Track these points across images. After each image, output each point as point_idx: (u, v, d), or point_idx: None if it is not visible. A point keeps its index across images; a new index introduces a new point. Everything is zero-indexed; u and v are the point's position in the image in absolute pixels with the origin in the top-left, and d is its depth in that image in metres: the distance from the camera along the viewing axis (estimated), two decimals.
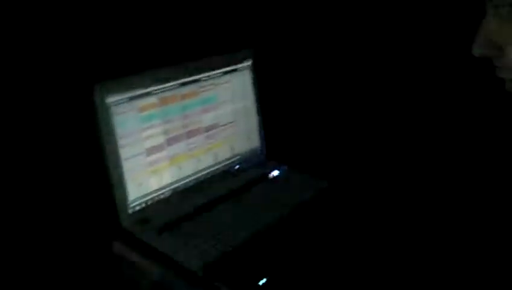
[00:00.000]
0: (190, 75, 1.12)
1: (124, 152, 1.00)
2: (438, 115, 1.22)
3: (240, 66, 1.22)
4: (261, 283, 0.87)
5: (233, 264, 0.92)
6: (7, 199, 0.97)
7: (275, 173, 1.25)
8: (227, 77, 1.20)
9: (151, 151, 1.05)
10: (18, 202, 0.99)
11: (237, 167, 1.24)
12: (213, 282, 0.87)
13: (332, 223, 1.03)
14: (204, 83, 1.15)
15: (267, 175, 1.24)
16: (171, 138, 1.09)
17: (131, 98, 1.01)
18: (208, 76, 1.16)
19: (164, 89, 1.07)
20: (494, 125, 1.12)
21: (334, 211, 1.08)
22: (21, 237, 0.98)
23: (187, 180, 1.13)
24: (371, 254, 0.93)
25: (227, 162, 1.22)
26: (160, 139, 1.07)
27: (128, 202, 1.02)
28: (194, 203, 1.10)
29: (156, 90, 1.05)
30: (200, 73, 1.14)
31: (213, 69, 1.17)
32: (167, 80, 1.07)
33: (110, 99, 0.98)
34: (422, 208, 1.04)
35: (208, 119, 1.16)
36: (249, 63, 1.24)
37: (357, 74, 1.31)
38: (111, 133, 0.98)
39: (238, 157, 1.24)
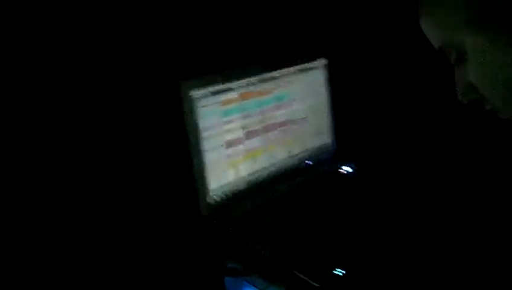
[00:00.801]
0: (267, 72, 1.17)
1: (206, 144, 1.06)
2: None
3: (313, 64, 1.26)
4: (336, 272, 0.90)
5: (309, 252, 0.96)
6: (99, 183, 1.05)
7: (344, 169, 1.28)
8: (302, 75, 1.24)
9: (230, 144, 1.11)
10: (111, 186, 1.06)
11: (308, 162, 1.27)
12: (290, 269, 0.91)
13: (407, 219, 1.05)
14: (280, 80, 1.19)
15: (337, 171, 1.27)
16: (249, 132, 1.14)
17: (214, 93, 1.07)
18: (284, 73, 1.20)
19: (243, 85, 1.12)
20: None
21: (408, 206, 1.09)
22: (111, 222, 1.06)
23: (261, 173, 1.18)
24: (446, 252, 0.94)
25: (299, 157, 1.26)
26: (238, 133, 1.12)
27: (209, 192, 1.07)
28: (269, 194, 1.15)
29: (236, 85, 1.11)
30: (276, 71, 1.18)
31: (289, 67, 1.21)
32: (246, 76, 1.12)
33: (195, 93, 1.04)
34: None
35: (282, 115, 1.21)
36: (322, 62, 1.28)
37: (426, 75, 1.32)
38: (194, 124, 1.04)
39: (308, 152, 1.28)
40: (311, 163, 1.28)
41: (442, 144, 1.29)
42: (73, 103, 1.01)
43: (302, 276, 0.90)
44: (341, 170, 1.27)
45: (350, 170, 1.28)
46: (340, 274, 0.89)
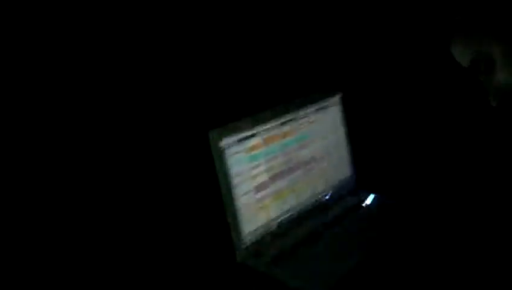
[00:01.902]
0: (287, 115, 1.20)
1: (237, 191, 1.09)
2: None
3: (329, 103, 1.30)
4: None
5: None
6: (138, 232, 1.07)
7: (367, 201, 1.31)
8: (320, 114, 1.28)
9: (258, 188, 1.13)
10: (150, 237, 1.08)
11: (332, 196, 1.30)
12: None
13: (429, 248, 1.08)
14: (300, 121, 1.23)
15: (360, 203, 1.30)
16: (275, 175, 1.17)
17: (240, 140, 1.10)
18: (303, 114, 1.24)
19: (266, 130, 1.15)
20: None
21: (428, 235, 1.12)
22: (151, 269, 1.08)
23: (290, 213, 1.20)
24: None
25: (324, 193, 1.29)
26: (266, 177, 1.15)
27: (243, 237, 1.10)
28: (299, 233, 1.17)
29: (259, 131, 1.14)
30: (295, 112, 1.22)
31: (307, 108, 1.24)
32: (268, 121, 1.16)
33: (223, 143, 1.07)
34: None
35: (304, 154, 1.24)
36: (338, 99, 1.32)
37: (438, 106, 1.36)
38: (226, 173, 1.07)
39: (332, 187, 1.31)
40: (335, 197, 1.30)
41: (458, 171, 1.32)
42: (112, 159, 1.04)
43: None
44: (363, 202, 1.30)
45: (370, 201, 1.30)
46: None
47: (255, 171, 1.13)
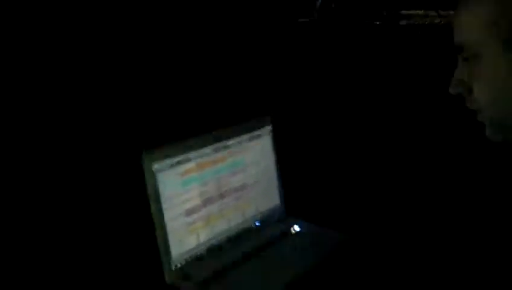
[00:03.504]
0: (221, 142, 1.24)
1: (167, 213, 1.11)
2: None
3: (261, 132, 1.35)
4: None
5: None
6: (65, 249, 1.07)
7: (295, 227, 1.36)
8: (252, 142, 1.33)
9: (189, 212, 1.16)
10: (76, 258, 1.08)
11: (262, 223, 1.34)
12: None
13: (356, 275, 1.14)
14: (232, 148, 1.27)
15: (289, 230, 1.35)
16: (206, 200, 1.20)
17: (173, 165, 1.13)
18: (236, 142, 1.28)
19: (200, 155, 1.19)
20: None
21: (356, 263, 1.18)
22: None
23: (219, 237, 1.24)
24: None
25: (253, 219, 1.33)
26: (197, 201, 1.18)
27: (172, 259, 1.12)
28: (228, 258, 1.20)
29: (193, 156, 1.17)
30: (229, 139, 1.27)
31: (240, 136, 1.29)
32: (202, 147, 1.20)
33: (156, 166, 1.09)
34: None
35: (236, 181, 1.28)
36: (269, 128, 1.37)
37: (368, 133, 1.45)
38: (156, 196, 1.09)
39: (262, 214, 1.35)
40: (264, 224, 1.35)
41: (386, 198, 1.40)
42: (43, 173, 1.04)
43: None
44: (292, 229, 1.35)
45: (299, 228, 1.36)
46: None
47: (186, 195, 1.16)
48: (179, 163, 1.14)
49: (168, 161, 1.12)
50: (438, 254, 1.16)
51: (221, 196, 1.24)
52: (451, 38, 0.82)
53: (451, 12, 0.84)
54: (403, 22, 1.70)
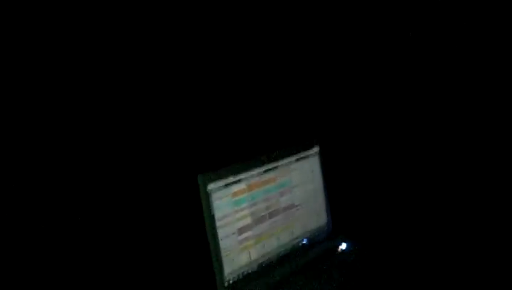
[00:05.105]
0: (270, 163, 1.30)
1: (221, 232, 1.17)
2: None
3: (309, 153, 1.41)
4: None
5: None
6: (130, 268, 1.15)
7: (342, 246, 1.40)
8: (299, 163, 1.38)
9: (241, 230, 1.22)
10: (141, 278, 1.16)
11: (310, 241, 1.39)
12: None
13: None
14: (280, 169, 1.33)
15: (335, 248, 1.39)
16: (257, 219, 1.26)
17: (226, 185, 1.19)
18: (284, 163, 1.34)
19: (250, 176, 1.25)
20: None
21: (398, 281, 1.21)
22: None
23: (269, 255, 1.29)
24: None
25: (301, 237, 1.37)
26: (248, 220, 1.24)
27: (225, 276, 1.18)
28: (277, 275, 1.25)
29: (244, 177, 1.24)
30: (277, 161, 1.32)
31: (288, 157, 1.35)
32: (252, 168, 1.26)
33: (210, 187, 1.16)
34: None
35: (284, 201, 1.33)
36: (316, 150, 1.42)
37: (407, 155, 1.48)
38: (211, 215, 1.16)
39: (309, 232, 1.40)
40: (312, 242, 1.39)
41: (428, 220, 1.43)
42: (106, 198, 1.12)
43: None
44: (339, 248, 1.39)
45: (345, 247, 1.40)
46: None
47: (238, 215, 1.22)
48: (231, 184, 1.21)
49: (221, 182, 1.18)
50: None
51: (271, 215, 1.30)
52: None
53: None
54: None
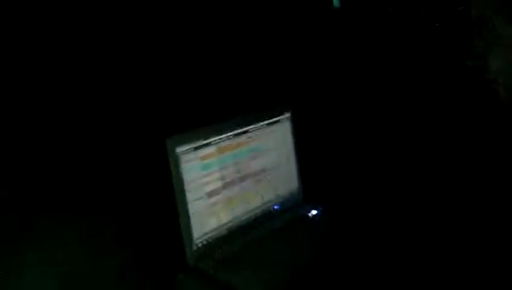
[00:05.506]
0: (241, 127, 1.28)
1: (189, 196, 1.16)
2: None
3: (280, 118, 1.39)
4: None
5: None
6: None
7: (313, 212, 1.39)
8: (271, 128, 1.36)
9: (210, 194, 1.20)
10: (101, 238, 1.13)
11: (280, 207, 1.38)
12: None
13: (370, 260, 1.17)
14: (252, 134, 1.31)
15: (306, 215, 1.39)
16: (226, 183, 1.24)
17: (195, 148, 1.17)
18: (255, 127, 1.32)
19: (220, 140, 1.23)
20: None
21: (370, 249, 1.21)
22: (103, 273, 1.12)
23: (239, 220, 1.28)
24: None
25: (272, 203, 1.37)
26: (218, 184, 1.23)
27: (193, 239, 1.16)
28: (247, 239, 1.25)
29: (214, 141, 1.22)
30: (248, 125, 1.30)
31: (259, 122, 1.33)
32: (223, 132, 1.24)
33: (179, 150, 1.14)
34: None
35: (255, 165, 1.32)
36: (288, 115, 1.41)
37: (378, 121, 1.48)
38: (180, 179, 1.13)
39: (280, 198, 1.39)
40: (282, 208, 1.38)
41: (403, 183, 1.43)
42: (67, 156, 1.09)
43: None
44: (309, 214, 1.39)
45: (316, 213, 1.39)
46: None
47: (207, 179, 1.20)
48: (200, 147, 1.18)
49: (190, 145, 1.16)
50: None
51: (241, 179, 1.28)
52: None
53: None
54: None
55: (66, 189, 1.11)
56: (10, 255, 1.02)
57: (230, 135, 1.26)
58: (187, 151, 1.15)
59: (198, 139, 1.18)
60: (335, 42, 1.53)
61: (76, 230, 1.12)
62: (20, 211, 1.04)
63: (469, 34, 0.90)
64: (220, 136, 1.23)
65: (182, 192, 1.14)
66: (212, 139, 1.21)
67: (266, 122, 1.35)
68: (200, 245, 1.18)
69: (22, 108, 1.06)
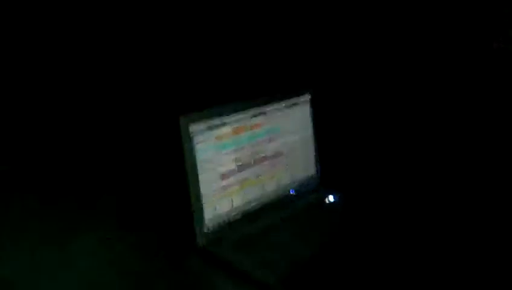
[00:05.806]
0: (258, 108, 1.24)
1: (202, 177, 1.12)
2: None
3: (300, 101, 1.34)
4: None
5: (302, 278, 1.02)
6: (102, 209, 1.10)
7: (330, 198, 1.35)
8: (289, 110, 1.31)
9: (224, 176, 1.16)
10: (114, 217, 1.11)
11: (296, 191, 1.34)
12: None
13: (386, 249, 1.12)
14: (269, 115, 1.26)
15: (323, 200, 1.34)
16: (241, 165, 1.20)
17: (209, 128, 1.13)
18: (273, 109, 1.27)
19: (236, 120, 1.19)
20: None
21: (386, 237, 1.17)
22: (112, 255, 1.10)
23: (253, 203, 1.24)
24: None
25: (288, 187, 1.32)
26: (232, 166, 1.18)
27: (205, 222, 1.13)
28: (261, 223, 1.21)
29: (229, 121, 1.17)
30: (266, 106, 1.26)
31: (277, 103, 1.28)
32: (239, 112, 1.19)
33: (193, 128, 1.10)
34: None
35: (272, 148, 1.28)
36: (307, 98, 1.36)
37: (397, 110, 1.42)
38: (193, 159, 1.10)
39: (296, 183, 1.35)
40: (298, 193, 1.34)
41: (423, 172, 1.38)
42: (79, 138, 1.06)
43: None
44: (325, 200, 1.34)
45: (333, 199, 1.35)
46: None
47: (221, 160, 1.16)
48: (215, 127, 1.14)
49: (205, 124, 1.12)
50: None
51: (256, 161, 1.24)
52: None
53: None
54: None
55: (76, 168, 1.09)
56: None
57: (247, 116, 1.21)
58: (201, 131, 1.12)
59: (213, 118, 1.14)
60: (360, 22, 1.47)
61: (85, 209, 1.09)
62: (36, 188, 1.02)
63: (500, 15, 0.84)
64: (237, 117, 1.19)
65: (195, 173, 1.10)
66: (228, 119, 1.17)
67: (285, 103, 1.31)
68: (211, 227, 1.15)
69: (39, 92, 1.03)
